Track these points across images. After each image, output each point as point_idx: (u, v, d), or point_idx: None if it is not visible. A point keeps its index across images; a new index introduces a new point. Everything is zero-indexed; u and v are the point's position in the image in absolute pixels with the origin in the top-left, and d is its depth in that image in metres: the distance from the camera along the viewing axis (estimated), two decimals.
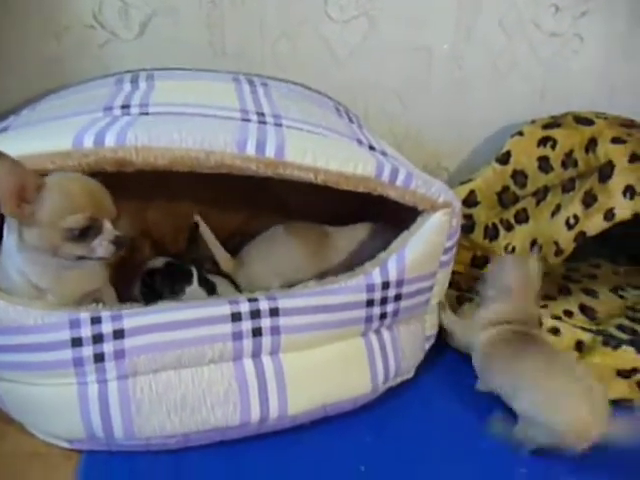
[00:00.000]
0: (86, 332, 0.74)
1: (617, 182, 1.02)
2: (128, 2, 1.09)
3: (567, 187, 1.09)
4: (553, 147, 1.10)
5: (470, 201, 1.16)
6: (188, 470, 0.80)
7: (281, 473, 0.81)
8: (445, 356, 1.03)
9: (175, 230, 1.07)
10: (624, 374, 0.91)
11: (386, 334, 0.89)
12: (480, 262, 1.19)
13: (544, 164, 1.11)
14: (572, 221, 1.07)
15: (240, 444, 0.82)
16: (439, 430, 0.89)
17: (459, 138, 1.35)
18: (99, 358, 0.75)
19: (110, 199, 0.74)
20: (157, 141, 0.72)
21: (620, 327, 1.08)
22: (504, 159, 1.14)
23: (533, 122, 1.17)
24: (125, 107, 0.83)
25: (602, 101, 1.32)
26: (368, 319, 0.86)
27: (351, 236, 0.99)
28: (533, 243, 1.12)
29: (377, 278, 0.85)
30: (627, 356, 0.91)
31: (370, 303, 0.85)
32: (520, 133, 1.15)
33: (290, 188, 0.85)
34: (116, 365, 0.75)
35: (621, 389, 0.91)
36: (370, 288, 0.84)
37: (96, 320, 0.75)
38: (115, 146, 0.71)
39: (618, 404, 0.92)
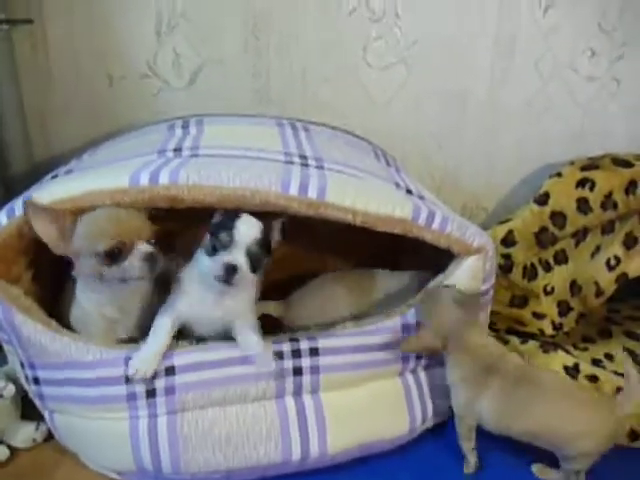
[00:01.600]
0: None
1: None
2: (179, 53, 1.17)
3: (607, 229, 1.09)
4: (592, 189, 1.10)
5: (508, 241, 1.17)
6: None
7: None
8: None
9: None
10: None
11: (423, 375, 0.90)
12: (519, 302, 1.18)
13: (583, 205, 1.11)
14: (613, 262, 1.07)
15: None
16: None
17: (496, 179, 1.36)
18: (151, 394, 0.79)
19: (143, 222, 0.78)
20: (207, 180, 0.77)
21: None
22: (542, 200, 1.14)
23: (572, 164, 1.18)
24: (177, 150, 0.88)
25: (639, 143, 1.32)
26: (405, 359, 0.87)
27: (397, 281, 1.01)
28: (573, 284, 1.12)
29: (412, 318, 0.87)
30: None
31: (397, 344, 0.86)
32: (559, 174, 1.16)
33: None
34: (166, 401, 0.79)
35: None
36: (406, 328, 0.86)
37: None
38: (169, 184, 0.76)
39: None
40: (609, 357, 1.11)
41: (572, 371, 0.97)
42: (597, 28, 1.23)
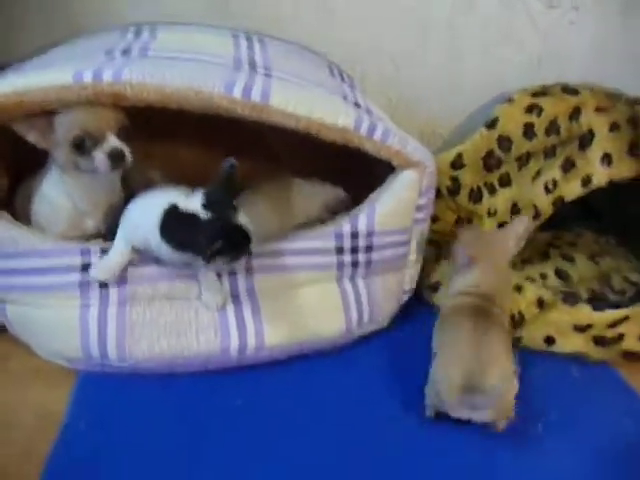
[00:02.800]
0: (95, 259, 0.83)
1: (596, 150, 1.06)
2: None
3: (548, 153, 1.13)
4: (539, 114, 1.13)
5: (457, 164, 1.19)
6: (171, 394, 0.87)
7: (257, 403, 0.86)
8: (421, 310, 1.08)
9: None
10: (580, 329, 0.96)
11: (361, 283, 0.95)
12: (463, 224, 1.23)
13: (529, 131, 1.13)
14: (550, 186, 1.11)
15: (221, 374, 0.89)
16: (401, 376, 0.93)
17: (454, 105, 1.38)
18: (104, 284, 0.83)
19: (111, 113, 0.81)
20: (150, 78, 0.78)
21: (590, 290, 1.14)
22: (491, 124, 1.17)
23: (524, 90, 1.20)
24: (126, 52, 0.88)
25: (596, 72, 1.34)
26: (339, 265, 0.92)
27: (312, 189, 1.06)
28: (514, 206, 1.16)
29: (346, 228, 0.92)
30: (583, 313, 0.96)
31: (340, 250, 0.92)
32: (510, 100, 1.18)
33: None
34: (118, 291, 0.84)
35: (577, 343, 0.97)
36: (339, 236, 0.91)
37: (105, 251, 0.84)
38: (112, 81, 0.77)
39: (576, 358, 0.98)
40: (543, 276, 1.19)
41: None
42: None
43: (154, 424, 0.82)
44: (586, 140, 1.08)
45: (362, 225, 0.92)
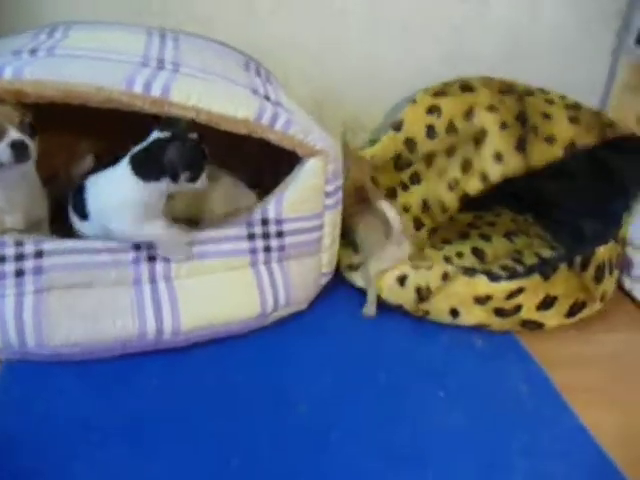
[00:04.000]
0: (9, 251, 0.87)
1: (488, 148, 1.15)
2: None
3: (450, 152, 1.21)
4: (439, 116, 1.21)
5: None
6: (91, 379, 0.90)
7: (172, 384, 0.90)
8: (342, 292, 1.14)
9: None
10: (480, 301, 1.02)
11: (276, 267, 1.00)
12: None
13: (431, 131, 1.22)
14: (453, 184, 1.20)
15: (139, 357, 0.93)
16: (323, 357, 0.98)
17: (377, 99, 1.43)
18: (19, 273, 0.86)
19: (11, 109, 0.84)
20: (51, 75, 0.82)
21: (503, 267, 1.21)
22: (398, 127, 1.25)
23: (426, 90, 1.26)
24: (33, 51, 0.91)
25: (508, 62, 1.42)
26: (252, 250, 0.97)
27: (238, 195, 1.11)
28: (424, 202, 1.24)
29: (257, 216, 0.97)
30: (481, 284, 1.02)
31: (251, 237, 0.97)
32: (413, 101, 1.25)
33: None
34: (34, 280, 0.87)
35: (479, 315, 1.03)
36: (250, 224, 0.97)
37: (19, 243, 0.87)
38: (12, 78, 0.81)
39: (479, 329, 1.05)
40: (459, 255, 1.26)
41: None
42: None
43: (74, 408, 0.85)
44: (479, 139, 1.16)
45: (271, 212, 0.98)
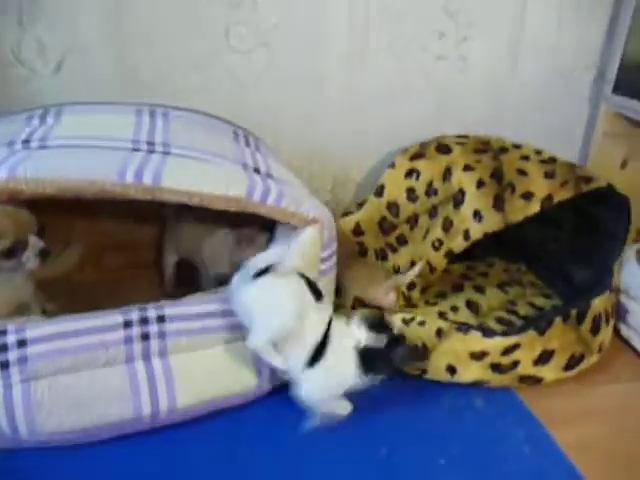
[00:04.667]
0: None
1: (467, 207, 1.19)
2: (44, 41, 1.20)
3: (432, 214, 1.25)
4: (417, 178, 1.26)
5: (357, 231, 1.32)
6: (87, 462, 0.89)
7: (174, 464, 0.90)
8: None
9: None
10: (476, 357, 1.02)
11: None
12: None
13: (411, 194, 1.27)
14: (437, 244, 1.23)
15: (136, 437, 0.92)
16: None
17: (364, 155, 1.47)
18: (4, 365, 0.85)
19: (31, 217, 0.91)
20: (45, 172, 0.83)
21: (498, 319, 1.22)
22: (380, 192, 1.30)
23: (404, 153, 1.31)
24: (26, 142, 0.93)
25: (492, 117, 1.46)
26: None
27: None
28: (412, 263, 1.27)
29: None
30: (475, 339, 1.02)
31: None
32: (392, 165, 1.30)
33: None
34: (19, 370, 0.86)
35: (476, 371, 1.03)
36: None
37: (1, 332, 0.86)
38: (7, 177, 0.82)
39: (477, 387, 1.05)
40: (454, 309, 1.26)
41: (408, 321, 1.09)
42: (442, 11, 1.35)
43: None
44: (458, 199, 1.20)
45: None
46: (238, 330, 0.96)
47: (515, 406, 1.03)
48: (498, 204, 1.16)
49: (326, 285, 1.05)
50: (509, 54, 1.42)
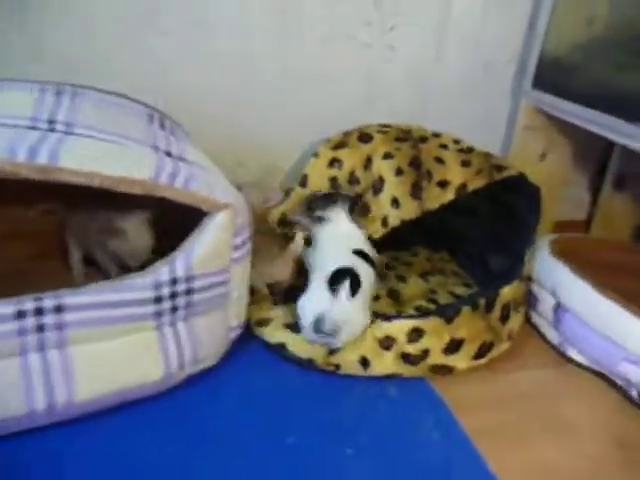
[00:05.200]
0: None
1: (386, 195, 1.20)
2: None
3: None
4: (340, 167, 1.26)
5: (284, 222, 1.30)
6: None
7: (71, 461, 0.86)
8: (252, 348, 1.11)
9: None
10: (384, 344, 1.03)
11: (182, 326, 0.97)
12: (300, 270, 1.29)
13: (334, 184, 1.27)
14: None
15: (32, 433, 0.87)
16: (230, 419, 0.95)
17: (292, 142, 1.45)
18: None
19: None
20: None
21: (417, 308, 1.23)
22: (303, 182, 1.28)
23: (328, 142, 1.30)
24: None
25: (417, 106, 1.47)
26: (157, 314, 0.93)
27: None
28: None
29: (165, 275, 0.93)
30: (377, 326, 1.04)
31: (158, 300, 0.93)
32: (316, 155, 1.29)
33: None
34: None
35: (389, 363, 1.04)
36: (158, 285, 0.92)
37: None
38: None
39: (392, 378, 1.05)
40: (376, 298, 1.25)
41: None
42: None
43: None
44: (378, 186, 1.21)
45: (180, 270, 0.94)
46: (143, 320, 0.93)
47: (427, 394, 1.04)
48: (416, 192, 1.18)
49: (240, 273, 1.03)
50: (435, 44, 1.43)
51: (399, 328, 1.03)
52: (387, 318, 1.05)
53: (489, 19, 1.43)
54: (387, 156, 1.22)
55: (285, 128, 1.43)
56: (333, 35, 1.35)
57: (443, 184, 1.18)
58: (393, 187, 1.19)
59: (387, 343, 1.03)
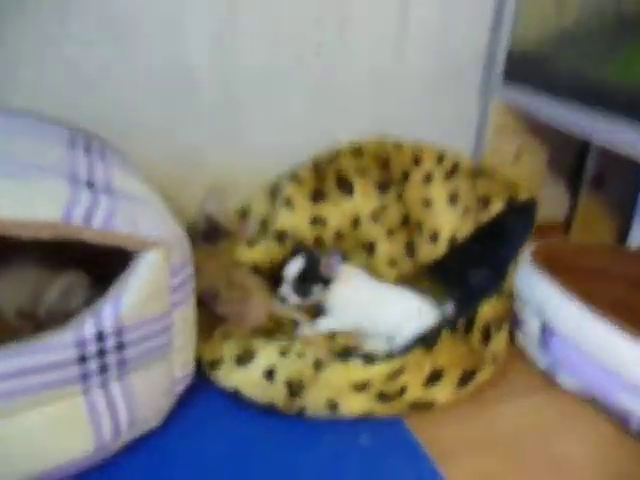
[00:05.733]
0: None
1: (381, 256, 1.23)
2: None
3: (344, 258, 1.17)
4: (324, 225, 1.20)
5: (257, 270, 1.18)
6: None
7: None
8: (207, 395, 0.98)
9: None
10: (358, 388, 0.90)
11: (116, 387, 0.83)
12: None
13: (319, 243, 1.21)
14: None
15: None
16: None
17: (243, 158, 1.31)
18: None
19: None
20: None
21: None
22: (281, 237, 1.18)
23: (298, 182, 1.18)
24: None
25: (381, 109, 1.35)
26: (83, 377, 0.79)
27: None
28: None
29: (89, 331, 0.78)
30: (355, 369, 0.91)
31: (83, 360, 0.78)
32: (288, 203, 1.17)
33: None
34: None
35: (360, 404, 0.91)
36: (81, 343, 0.78)
37: None
38: None
39: (364, 419, 0.93)
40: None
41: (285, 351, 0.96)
42: None
43: None
44: (369, 248, 1.24)
45: (108, 323, 0.80)
46: (66, 385, 0.78)
47: (403, 440, 0.91)
48: (410, 251, 1.21)
49: (183, 317, 0.90)
50: (394, 43, 1.30)
51: (379, 371, 0.91)
52: (370, 361, 0.92)
53: (452, 14, 1.31)
54: (375, 218, 1.20)
55: (234, 142, 1.29)
56: (281, 35, 1.22)
57: (434, 238, 1.21)
58: (387, 249, 1.20)
59: (362, 386, 0.90)
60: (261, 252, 1.16)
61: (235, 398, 0.95)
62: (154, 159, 1.21)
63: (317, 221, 1.17)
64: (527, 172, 1.42)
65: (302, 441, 0.90)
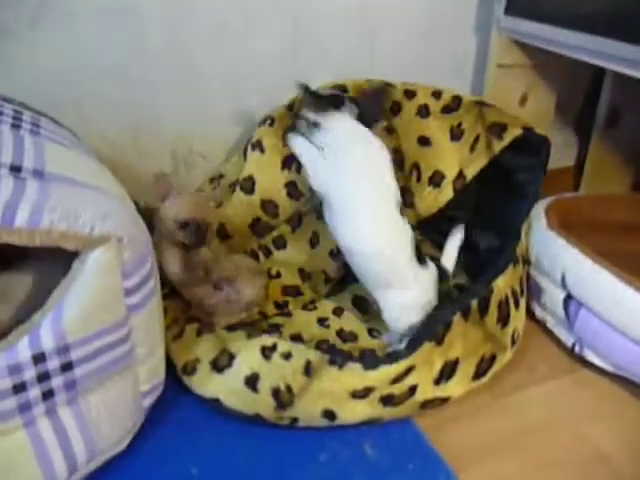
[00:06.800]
0: None
1: None
2: None
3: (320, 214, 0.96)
4: (298, 171, 0.99)
5: (223, 234, 1.02)
6: None
7: None
8: (184, 409, 0.84)
9: None
10: (359, 395, 0.77)
11: (66, 413, 0.68)
12: None
13: (293, 190, 1.01)
14: (335, 251, 1.01)
15: None
16: None
17: (206, 117, 1.12)
18: None
19: None
20: None
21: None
22: (249, 187, 1.01)
23: (268, 122, 1.01)
24: None
25: (365, 49, 1.17)
26: (23, 408, 0.64)
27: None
28: (302, 271, 1.06)
29: (24, 352, 0.63)
30: (354, 375, 0.77)
31: (20, 388, 0.63)
32: (259, 145, 1.00)
33: None
34: None
35: (362, 410, 0.78)
36: (15, 368, 0.63)
37: None
38: None
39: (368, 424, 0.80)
40: (339, 311, 1.01)
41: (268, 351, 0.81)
42: None
43: None
44: None
45: (47, 341, 0.65)
46: (12, 419, 0.64)
47: (416, 446, 0.79)
48: (407, 199, 0.99)
49: (145, 321, 0.75)
50: None
51: (382, 376, 0.77)
52: (371, 364, 0.78)
53: None
54: None
55: (194, 99, 1.10)
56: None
57: (436, 181, 1.00)
58: None
59: (363, 393, 0.77)
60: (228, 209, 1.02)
61: (215, 407, 0.81)
62: (103, 127, 1.03)
63: (290, 162, 0.99)
64: (534, 116, 1.24)
65: (297, 456, 0.78)
